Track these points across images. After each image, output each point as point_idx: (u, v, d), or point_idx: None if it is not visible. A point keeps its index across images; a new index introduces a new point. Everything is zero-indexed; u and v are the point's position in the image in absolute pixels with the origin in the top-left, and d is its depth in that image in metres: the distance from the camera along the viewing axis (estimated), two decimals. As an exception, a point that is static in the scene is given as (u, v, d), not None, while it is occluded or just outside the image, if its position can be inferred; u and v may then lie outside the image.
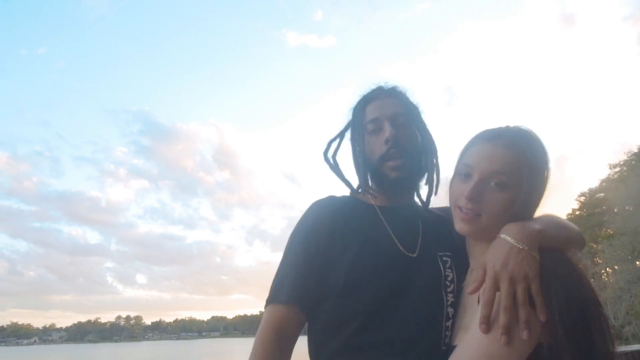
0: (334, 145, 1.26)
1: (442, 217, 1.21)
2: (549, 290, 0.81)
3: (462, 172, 1.00)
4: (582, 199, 37.55)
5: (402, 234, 1.13)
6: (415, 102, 1.23)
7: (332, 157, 1.25)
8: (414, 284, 1.07)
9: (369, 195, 1.21)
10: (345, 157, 1.27)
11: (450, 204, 1.06)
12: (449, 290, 1.08)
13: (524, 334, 0.78)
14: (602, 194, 34.24)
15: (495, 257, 0.85)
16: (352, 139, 1.23)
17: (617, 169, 32.14)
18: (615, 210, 30.98)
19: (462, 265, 1.11)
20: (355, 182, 1.26)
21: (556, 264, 0.86)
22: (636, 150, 30.41)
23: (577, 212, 37.66)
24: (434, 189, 1.21)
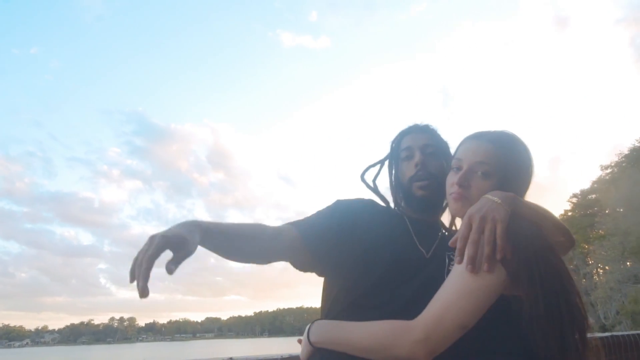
0: (373, 170, 1.48)
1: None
2: (516, 236, 0.95)
3: (454, 166, 1.16)
4: (575, 200, 37.85)
5: (421, 238, 1.31)
6: (444, 139, 1.45)
7: (372, 181, 1.47)
8: (421, 274, 1.22)
9: (403, 213, 1.40)
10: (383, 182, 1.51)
11: (446, 196, 1.20)
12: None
13: (485, 267, 0.92)
14: (594, 195, 34.53)
15: (474, 207, 1.02)
16: (389, 166, 1.45)
17: (609, 170, 32.44)
18: (607, 211, 31.25)
19: None
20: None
21: (526, 223, 1.00)
22: (627, 152, 30.75)
23: (570, 213, 37.88)
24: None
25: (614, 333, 1.76)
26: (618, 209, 29.31)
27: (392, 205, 1.43)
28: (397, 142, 1.44)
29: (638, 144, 30.59)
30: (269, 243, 1.20)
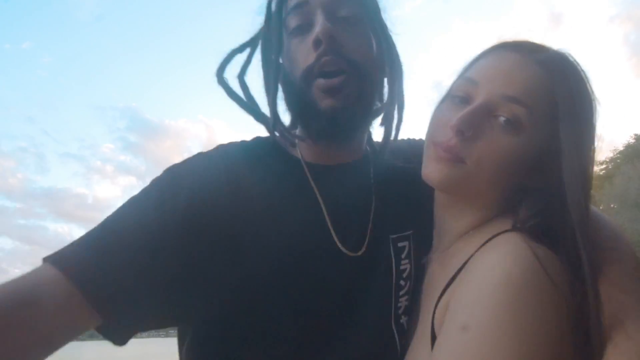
0: (242, 59, 0.77)
1: (407, 169, 0.81)
2: None
3: (457, 93, 0.66)
4: (569, 196, 38.06)
5: (344, 221, 0.72)
6: None
7: (239, 78, 0.76)
8: (354, 301, 0.71)
9: (292, 143, 0.77)
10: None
11: (425, 142, 0.70)
12: (401, 293, 0.75)
13: None
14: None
15: None
16: (263, 44, 0.76)
17: (603, 166, 32.62)
18: (601, 207, 31.46)
19: (425, 243, 0.79)
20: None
21: None
22: (622, 148, 30.92)
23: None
24: (394, 132, 0.78)
25: None
26: (612, 206, 29.51)
27: (273, 131, 0.76)
28: (279, 1, 0.74)
29: (632, 141, 30.86)
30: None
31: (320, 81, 0.69)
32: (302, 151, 0.77)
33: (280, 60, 0.76)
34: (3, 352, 0.50)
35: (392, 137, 0.78)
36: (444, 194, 0.71)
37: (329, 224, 0.71)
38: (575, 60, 0.65)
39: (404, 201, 0.80)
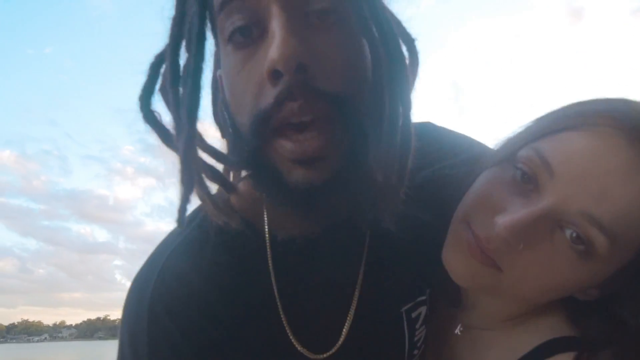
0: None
1: (419, 198, 0.55)
2: None
3: (523, 167, 0.47)
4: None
5: (307, 315, 0.54)
6: None
7: (144, 110, 0.52)
8: None
9: (260, 202, 0.56)
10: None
11: (457, 213, 0.54)
12: None
13: None
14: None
15: None
16: (172, 66, 0.48)
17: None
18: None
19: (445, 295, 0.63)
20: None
21: None
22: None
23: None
24: (402, 181, 0.50)
25: None
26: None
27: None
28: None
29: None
30: None
31: (285, 143, 0.44)
32: (268, 215, 0.55)
33: (216, 75, 0.53)
34: None
35: (400, 188, 0.51)
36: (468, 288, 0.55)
37: (285, 323, 0.52)
38: None
39: (418, 258, 0.60)
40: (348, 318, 0.54)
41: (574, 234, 0.43)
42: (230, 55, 0.45)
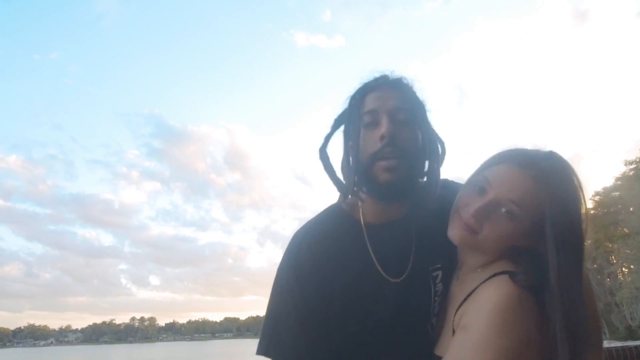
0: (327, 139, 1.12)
1: (439, 215, 1.07)
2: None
3: (478, 184, 0.96)
4: (597, 197, 36.92)
5: (387, 258, 1.05)
6: (422, 99, 1.08)
7: (321, 152, 1.10)
8: (399, 310, 1.03)
9: (358, 206, 1.10)
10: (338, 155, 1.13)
11: (452, 210, 1.01)
12: (436, 304, 1.08)
13: None
14: (618, 193, 33.66)
15: None
16: (345, 132, 1.09)
17: (633, 165, 31.59)
18: (631, 209, 30.43)
19: (452, 271, 1.09)
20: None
21: None
22: (652, 148, 29.94)
23: (592, 211, 37.10)
24: (431, 199, 1.08)
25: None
26: (643, 207, 28.50)
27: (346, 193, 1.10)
28: (357, 100, 1.07)
29: (663, 139, 29.70)
30: None
31: (382, 163, 0.99)
32: (363, 212, 1.10)
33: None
34: None
35: (429, 204, 1.08)
36: (461, 246, 1.03)
37: (376, 263, 1.05)
38: (563, 166, 0.93)
39: (436, 237, 1.07)
40: (410, 262, 1.07)
41: (504, 210, 0.91)
42: (366, 132, 1.04)
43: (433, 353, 1.01)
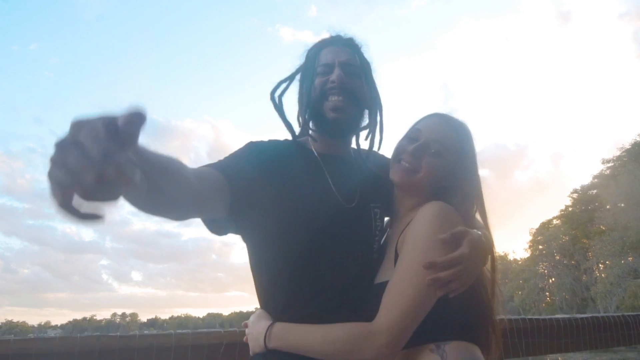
0: (283, 86, 1.22)
1: (378, 163, 1.29)
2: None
3: (411, 135, 1.19)
4: (575, 195, 37.83)
5: (341, 186, 1.17)
6: (369, 58, 1.24)
7: (278, 97, 1.21)
8: (349, 232, 1.14)
9: (310, 140, 1.23)
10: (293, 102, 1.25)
11: (391, 159, 1.20)
12: (376, 238, 1.21)
13: (439, 292, 0.97)
14: (595, 191, 34.50)
15: (473, 238, 1.01)
16: (301, 79, 1.22)
17: (610, 164, 32.39)
18: (608, 207, 31.24)
19: (387, 214, 1.27)
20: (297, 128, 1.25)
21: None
22: (629, 147, 30.67)
23: (570, 209, 38.04)
24: (375, 145, 1.23)
25: (524, 316, 1.78)
26: (618, 204, 29.32)
27: (296, 131, 1.22)
28: (314, 54, 1.22)
29: (639, 139, 30.55)
30: (195, 183, 0.89)
31: (330, 99, 1.15)
32: (314, 146, 1.22)
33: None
34: (182, 193, 0.84)
35: (374, 147, 1.23)
36: (399, 186, 1.21)
37: (332, 187, 1.16)
38: (469, 130, 1.22)
39: (374, 183, 1.25)
40: (357, 194, 1.19)
41: (433, 150, 1.13)
42: (319, 79, 1.17)
43: (373, 283, 1.13)
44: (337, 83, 1.13)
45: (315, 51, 1.22)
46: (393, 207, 1.25)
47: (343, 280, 1.10)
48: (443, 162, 1.14)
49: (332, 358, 0.99)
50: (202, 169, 1.02)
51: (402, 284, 0.98)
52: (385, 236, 1.26)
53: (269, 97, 1.20)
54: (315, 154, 1.21)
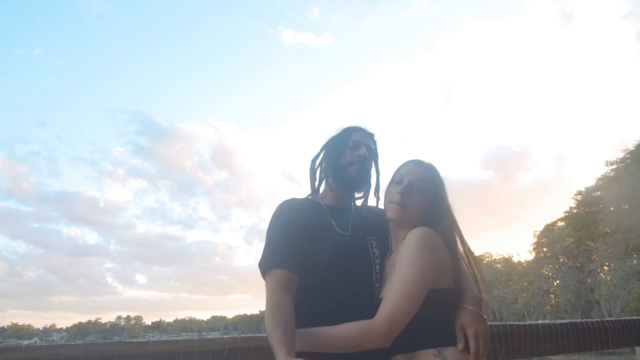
0: (321, 155, 1.67)
1: (372, 212, 1.67)
2: None
3: (396, 180, 1.48)
4: (579, 197, 37.74)
5: (339, 220, 1.57)
6: (379, 149, 1.72)
7: (312, 164, 1.69)
8: (351, 257, 1.48)
9: (320, 198, 1.65)
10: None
11: (384, 202, 1.51)
12: (376, 262, 1.52)
13: None
14: (599, 193, 34.38)
15: (470, 321, 1.29)
16: (332, 147, 1.64)
17: (614, 166, 32.28)
18: (612, 208, 31.18)
19: (384, 248, 1.56)
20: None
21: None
22: (633, 148, 30.59)
23: (574, 210, 37.98)
24: (367, 200, 1.69)
25: (505, 323, 1.91)
26: (622, 206, 29.24)
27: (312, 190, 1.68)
28: (346, 133, 1.65)
29: (642, 140, 30.37)
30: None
31: (354, 167, 1.57)
32: (323, 199, 1.64)
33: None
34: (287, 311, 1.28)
35: (367, 201, 1.67)
36: (395, 222, 1.49)
37: (332, 222, 1.55)
38: (435, 167, 1.52)
39: (369, 220, 1.62)
40: (350, 225, 1.56)
41: (417, 188, 1.43)
42: (347, 151, 1.61)
43: (377, 297, 1.42)
44: (363, 157, 1.57)
45: (347, 131, 1.65)
46: (389, 241, 1.54)
47: (351, 293, 1.43)
48: (425, 196, 1.44)
49: (346, 350, 1.26)
50: (285, 285, 1.38)
51: (395, 287, 1.26)
52: (386, 262, 1.52)
53: (309, 163, 1.70)
54: (324, 207, 1.62)
